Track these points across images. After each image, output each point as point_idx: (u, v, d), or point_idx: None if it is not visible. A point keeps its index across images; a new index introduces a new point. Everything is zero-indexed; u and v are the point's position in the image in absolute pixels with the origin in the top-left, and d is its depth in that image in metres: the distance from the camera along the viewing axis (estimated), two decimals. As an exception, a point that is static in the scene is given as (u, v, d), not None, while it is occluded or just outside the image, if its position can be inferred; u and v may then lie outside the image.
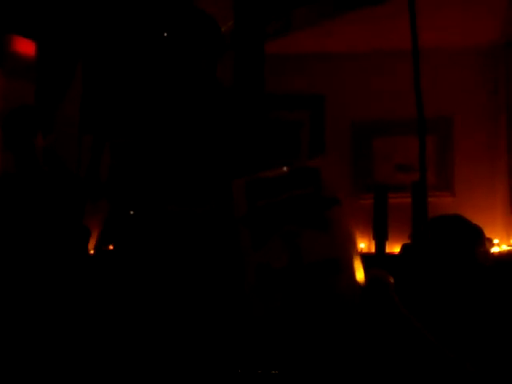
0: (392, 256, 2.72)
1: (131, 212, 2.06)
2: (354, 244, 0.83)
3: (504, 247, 4.49)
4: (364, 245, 4.51)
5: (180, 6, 2.70)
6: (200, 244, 1.85)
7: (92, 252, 3.03)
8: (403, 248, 2.93)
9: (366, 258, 0.86)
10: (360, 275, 0.85)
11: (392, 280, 0.80)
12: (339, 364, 0.80)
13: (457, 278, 2.40)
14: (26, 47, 4.12)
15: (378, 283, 0.83)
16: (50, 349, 2.52)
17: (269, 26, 3.82)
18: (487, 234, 2.78)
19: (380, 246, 1.38)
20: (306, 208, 0.83)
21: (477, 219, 2.71)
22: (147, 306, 1.90)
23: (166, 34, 2.10)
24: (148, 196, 2.03)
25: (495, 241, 4.49)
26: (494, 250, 4.36)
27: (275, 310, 0.81)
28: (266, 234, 0.84)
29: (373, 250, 2.79)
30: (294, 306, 0.81)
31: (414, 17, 2.14)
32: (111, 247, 2.58)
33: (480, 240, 2.66)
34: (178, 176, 1.98)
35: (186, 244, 1.87)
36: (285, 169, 0.89)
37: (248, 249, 0.86)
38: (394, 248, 3.16)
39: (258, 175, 0.86)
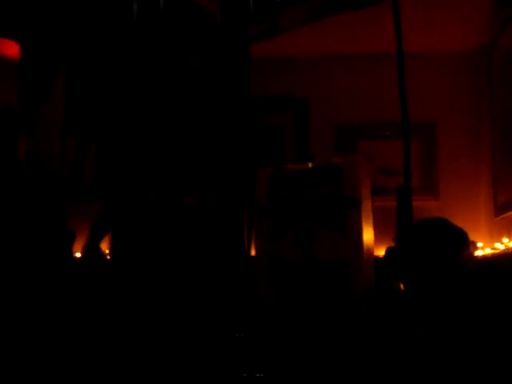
0: (376, 259, 2.71)
1: (123, 208, 2.04)
2: (367, 247, 0.83)
3: (488, 250, 4.50)
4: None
5: (174, 4, 2.69)
6: (198, 237, 1.84)
7: (80, 254, 3.01)
8: (388, 251, 2.93)
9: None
10: (370, 278, 0.85)
11: (403, 288, 0.80)
12: (339, 363, 0.80)
13: (441, 281, 2.40)
14: (9, 49, 4.09)
15: (392, 292, 0.82)
16: (33, 352, 2.50)
17: (254, 29, 3.82)
18: (471, 237, 2.78)
19: (365, 248, 1.39)
20: (325, 207, 0.82)
21: (461, 222, 2.72)
22: (144, 302, 1.89)
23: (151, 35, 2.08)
24: (137, 191, 2.02)
25: (479, 244, 4.51)
26: (478, 253, 4.37)
27: (283, 301, 0.81)
28: (283, 228, 0.83)
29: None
30: (301, 301, 0.80)
31: (399, 20, 2.14)
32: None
33: (464, 243, 2.67)
34: (171, 171, 1.98)
35: (183, 237, 1.86)
36: (309, 164, 0.88)
37: (264, 239, 0.85)
38: (379, 251, 3.16)
39: (282, 167, 0.85)
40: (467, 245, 2.70)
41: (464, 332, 2.15)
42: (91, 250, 2.25)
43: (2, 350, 2.52)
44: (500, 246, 4.34)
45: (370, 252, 0.86)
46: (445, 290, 2.36)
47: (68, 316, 2.39)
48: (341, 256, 0.82)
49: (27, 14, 3.65)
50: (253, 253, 1.31)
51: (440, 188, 5.15)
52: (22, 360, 2.48)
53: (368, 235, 0.85)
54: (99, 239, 2.18)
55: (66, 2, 3.53)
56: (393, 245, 2.85)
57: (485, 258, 4.25)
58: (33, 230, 2.85)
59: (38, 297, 2.67)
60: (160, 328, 1.80)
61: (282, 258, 0.83)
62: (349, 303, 0.78)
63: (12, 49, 4.05)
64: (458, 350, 2.03)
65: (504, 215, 4.52)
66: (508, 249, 4.23)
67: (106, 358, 1.91)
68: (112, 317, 1.94)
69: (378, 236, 2.75)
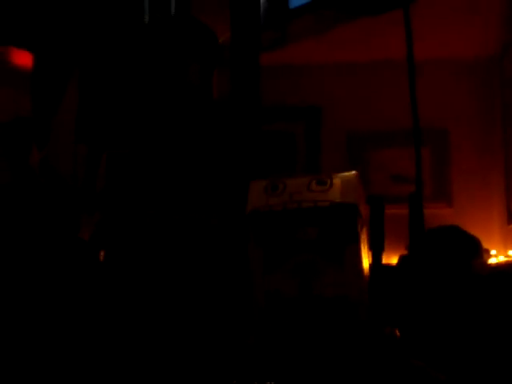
0: (389, 267, 2.71)
1: (125, 221, 2.04)
2: (365, 282, 0.82)
3: (501, 258, 4.48)
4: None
5: (177, 17, 2.71)
6: (204, 253, 1.84)
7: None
8: (401, 259, 2.92)
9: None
10: (367, 313, 0.84)
11: (398, 334, 0.80)
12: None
13: (454, 289, 2.39)
14: (22, 58, 4.12)
15: (388, 339, 0.82)
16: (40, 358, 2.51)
17: (265, 38, 3.83)
18: (484, 245, 2.77)
19: (376, 257, 1.38)
20: (324, 239, 0.79)
21: (474, 230, 2.71)
22: (142, 314, 1.89)
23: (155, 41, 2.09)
24: (144, 205, 2.02)
25: (492, 251, 4.48)
26: (492, 260, 4.35)
27: (281, 337, 0.79)
28: (279, 259, 0.81)
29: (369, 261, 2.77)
30: (300, 336, 0.79)
31: (410, 28, 2.14)
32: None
33: (477, 251, 2.66)
34: (178, 185, 1.98)
35: (187, 253, 1.86)
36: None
37: (259, 271, 0.83)
38: (391, 259, 3.14)
39: (278, 178, 0.84)
40: (480, 252, 2.69)
41: (476, 340, 2.14)
42: (92, 256, 2.25)
43: (13, 354, 2.54)
44: (514, 254, 4.32)
45: (366, 278, 0.84)
46: (458, 299, 2.35)
47: (78, 322, 2.39)
48: (340, 290, 0.80)
49: (39, 23, 3.68)
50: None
51: (453, 195, 5.13)
52: (29, 362, 2.49)
53: (365, 264, 0.84)
54: (100, 246, 2.18)
55: (77, 12, 3.56)
56: (406, 253, 2.84)
57: (498, 266, 4.23)
58: (45, 238, 2.86)
59: (49, 304, 2.68)
60: (168, 336, 1.80)
61: (279, 292, 0.80)
62: (349, 338, 0.77)
63: (25, 58, 4.09)
64: (469, 357, 2.02)
65: (517, 223, 4.50)
66: (522, 256, 4.21)
67: (117, 369, 1.91)
68: (120, 327, 1.94)
69: (391, 244, 2.75)
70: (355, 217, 0.82)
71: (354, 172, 0.89)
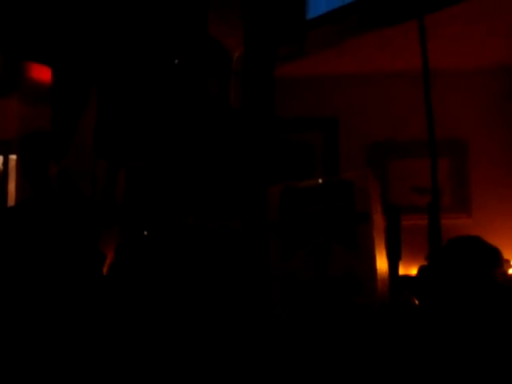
0: (408, 277, 2.69)
1: (145, 232, 2.06)
2: (379, 261, 0.83)
3: (523, 268, 4.43)
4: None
5: (191, 33, 2.73)
6: (225, 257, 1.85)
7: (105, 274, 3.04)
8: (420, 270, 2.90)
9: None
10: (383, 292, 0.85)
11: (417, 303, 0.80)
12: (352, 372, 0.80)
13: (475, 300, 2.38)
14: (41, 73, 4.16)
15: (404, 305, 0.82)
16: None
17: (281, 49, 3.84)
18: (505, 255, 2.75)
19: (393, 266, 1.38)
20: (337, 222, 0.82)
21: (494, 240, 2.69)
22: (165, 323, 1.90)
23: (176, 61, 2.12)
24: (163, 215, 2.03)
25: (514, 262, 4.44)
26: (513, 271, 4.31)
27: (297, 318, 0.81)
28: (296, 244, 0.84)
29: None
30: (314, 315, 0.81)
31: (424, 38, 2.14)
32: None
33: (498, 261, 2.64)
34: (198, 193, 1.99)
35: (207, 258, 1.87)
36: (320, 180, 0.90)
37: (277, 258, 0.86)
38: (411, 270, 3.12)
39: (293, 184, 0.86)
40: (501, 263, 2.67)
41: (498, 350, 2.12)
42: (117, 269, 2.27)
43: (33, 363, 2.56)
44: (536, 264, 4.27)
45: (383, 266, 0.86)
46: (479, 309, 2.33)
47: (96, 336, 2.40)
48: (353, 271, 0.82)
49: (58, 38, 3.72)
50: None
51: (473, 205, 5.08)
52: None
53: (380, 249, 0.85)
54: (125, 260, 2.20)
55: (96, 28, 3.59)
56: (425, 263, 2.82)
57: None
58: (65, 251, 2.88)
59: (68, 316, 2.69)
60: (190, 343, 1.81)
61: (296, 276, 0.83)
62: (362, 317, 0.78)
63: (44, 73, 4.13)
64: (491, 367, 2.00)
65: (539, 233, 4.45)
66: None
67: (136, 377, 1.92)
68: (140, 338, 1.95)
69: (411, 254, 2.73)
70: (367, 194, 0.84)
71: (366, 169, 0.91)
